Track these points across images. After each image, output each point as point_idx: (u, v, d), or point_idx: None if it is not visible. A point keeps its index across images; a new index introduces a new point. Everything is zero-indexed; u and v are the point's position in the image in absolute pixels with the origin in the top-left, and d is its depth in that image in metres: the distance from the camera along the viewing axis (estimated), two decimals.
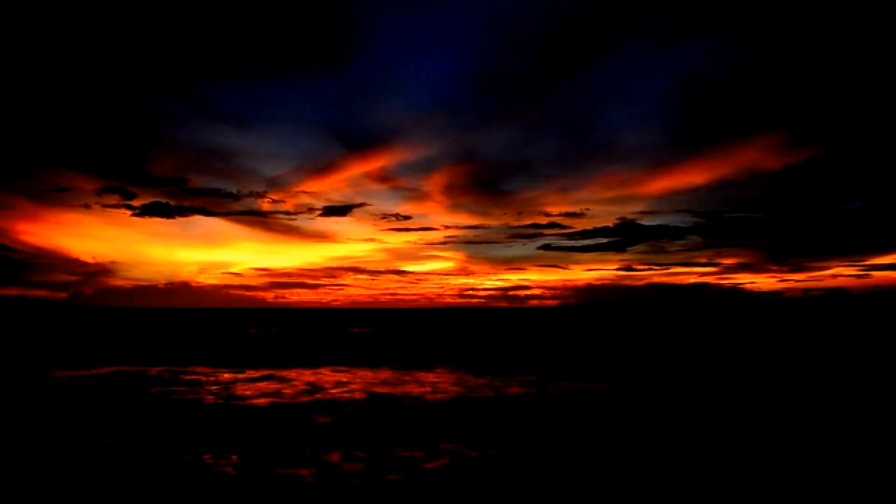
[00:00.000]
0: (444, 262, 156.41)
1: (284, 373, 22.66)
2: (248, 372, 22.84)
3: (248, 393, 17.73)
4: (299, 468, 9.16)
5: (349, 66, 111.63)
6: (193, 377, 21.15)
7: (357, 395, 17.10)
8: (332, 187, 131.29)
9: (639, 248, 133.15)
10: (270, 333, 56.29)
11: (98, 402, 15.48)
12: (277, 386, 19.21)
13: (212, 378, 21.04)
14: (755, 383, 18.07)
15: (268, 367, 24.68)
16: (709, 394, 16.22)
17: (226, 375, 21.82)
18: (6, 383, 18.88)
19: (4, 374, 21.18)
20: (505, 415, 13.93)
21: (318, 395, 17.11)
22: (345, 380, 20.75)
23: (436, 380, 20.53)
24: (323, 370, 23.69)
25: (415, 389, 18.27)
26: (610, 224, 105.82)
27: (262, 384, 19.62)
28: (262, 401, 16.24)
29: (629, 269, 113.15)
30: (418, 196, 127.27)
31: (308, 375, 21.97)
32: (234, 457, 9.83)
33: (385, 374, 22.39)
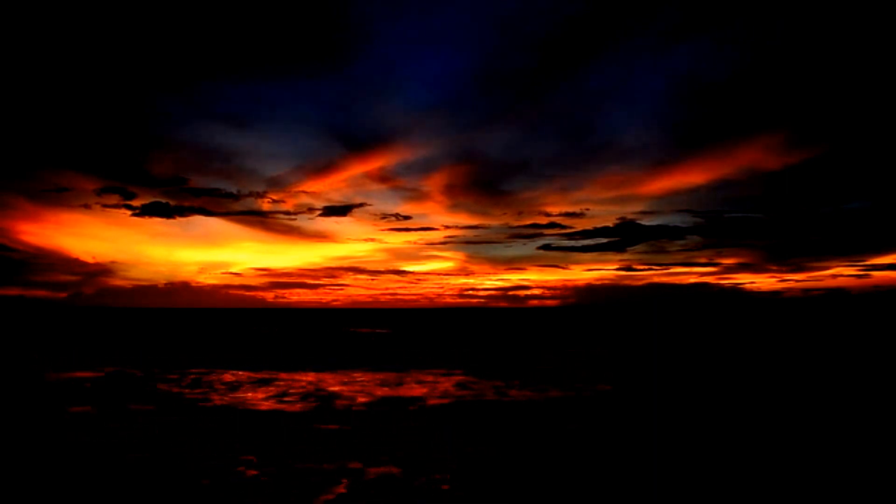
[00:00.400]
0: (444, 262, 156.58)
1: (285, 375, 22.68)
2: (249, 374, 22.87)
3: (249, 395, 17.74)
4: (300, 470, 9.17)
5: (349, 66, 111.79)
6: (193, 378, 21.16)
7: (358, 398, 17.12)
8: (332, 187, 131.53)
9: (639, 248, 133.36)
10: (271, 334, 56.30)
11: (98, 402, 15.49)
12: (279, 388, 19.22)
13: (213, 378, 21.04)
14: (755, 383, 18.09)
15: (268, 368, 24.71)
16: (709, 394, 16.24)
17: (227, 377, 21.84)
18: (6, 384, 18.89)
19: (4, 375, 21.19)
20: (505, 416, 13.94)
21: (320, 396, 17.11)
22: (346, 381, 20.77)
23: (436, 381, 20.54)
24: (324, 372, 23.71)
25: (416, 391, 18.29)
26: (610, 224, 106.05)
27: (263, 386, 19.64)
28: (263, 403, 16.26)
29: (629, 269, 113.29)
30: (418, 196, 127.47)
31: (309, 377, 21.99)
32: (231, 458, 9.85)
33: (385, 376, 22.41)
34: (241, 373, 22.82)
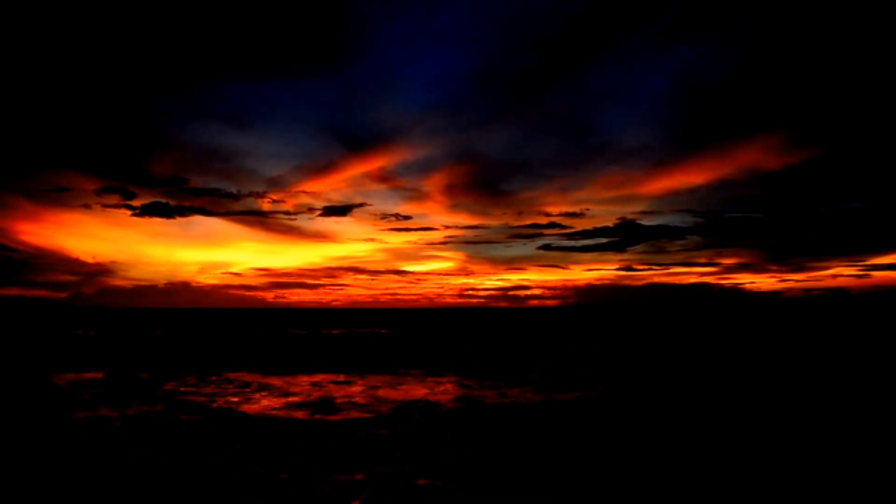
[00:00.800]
0: (444, 262, 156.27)
1: (285, 376, 22.71)
2: (249, 375, 22.89)
3: (248, 396, 17.76)
4: (300, 471, 9.18)
5: (349, 66, 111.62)
6: (193, 379, 21.17)
7: (358, 399, 17.14)
8: (332, 187, 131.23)
9: (639, 248, 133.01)
10: (271, 335, 56.30)
11: (98, 403, 15.49)
12: (278, 389, 19.25)
13: (212, 379, 21.06)
14: (755, 383, 18.09)
15: (268, 369, 24.74)
16: (709, 394, 16.24)
17: (226, 378, 21.85)
18: (6, 384, 18.89)
19: (4, 375, 21.19)
20: (505, 416, 13.95)
21: (320, 398, 17.13)
22: (346, 382, 20.79)
23: (436, 382, 20.56)
24: (323, 374, 23.75)
25: (416, 392, 18.32)
26: (610, 224, 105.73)
27: (263, 387, 19.66)
28: (263, 404, 16.28)
29: (629, 269, 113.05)
30: (418, 196, 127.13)
31: (309, 379, 22.01)
32: (231, 458, 9.86)
33: (386, 376, 22.45)
34: (241, 374, 22.83)
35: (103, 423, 12.79)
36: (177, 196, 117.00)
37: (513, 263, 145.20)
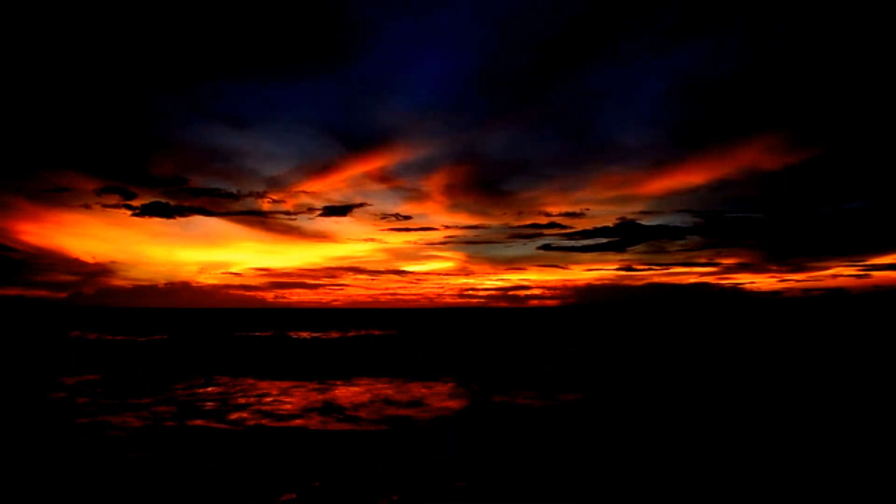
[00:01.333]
0: (444, 262, 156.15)
1: (284, 378, 22.72)
2: (249, 378, 22.90)
3: (247, 398, 17.77)
4: (298, 471, 9.18)
5: (349, 66, 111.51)
6: (192, 381, 21.16)
7: (358, 399, 17.15)
8: (332, 187, 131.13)
9: (639, 248, 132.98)
10: (270, 336, 56.29)
11: (98, 403, 15.49)
12: (278, 390, 19.25)
13: (211, 381, 21.05)
14: (755, 383, 18.10)
15: (268, 371, 24.74)
16: (709, 394, 16.25)
17: (224, 380, 21.85)
18: (6, 384, 18.89)
19: (4, 375, 21.19)
20: (506, 416, 13.95)
21: (319, 398, 17.14)
22: (346, 383, 20.81)
23: (436, 382, 20.58)
24: (324, 374, 23.77)
25: (416, 392, 18.34)
26: (610, 224, 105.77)
27: (262, 389, 19.66)
28: (262, 406, 16.28)
29: (629, 269, 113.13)
30: (418, 196, 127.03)
31: (307, 379, 22.03)
32: (230, 458, 9.87)
33: (386, 377, 22.46)
34: (240, 376, 22.84)
35: (103, 425, 12.79)
36: (177, 196, 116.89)
37: (513, 263, 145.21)
